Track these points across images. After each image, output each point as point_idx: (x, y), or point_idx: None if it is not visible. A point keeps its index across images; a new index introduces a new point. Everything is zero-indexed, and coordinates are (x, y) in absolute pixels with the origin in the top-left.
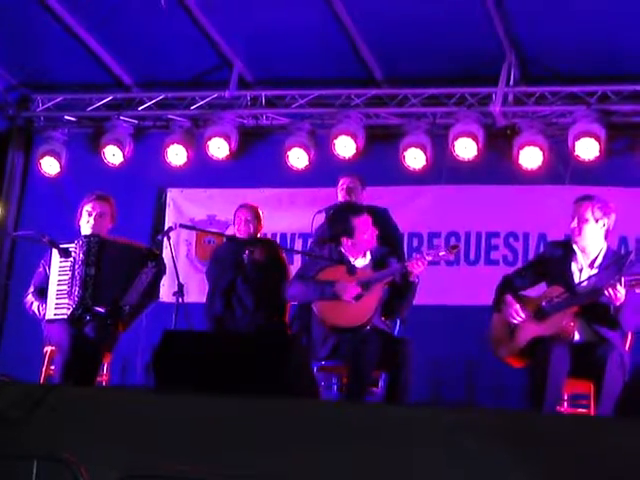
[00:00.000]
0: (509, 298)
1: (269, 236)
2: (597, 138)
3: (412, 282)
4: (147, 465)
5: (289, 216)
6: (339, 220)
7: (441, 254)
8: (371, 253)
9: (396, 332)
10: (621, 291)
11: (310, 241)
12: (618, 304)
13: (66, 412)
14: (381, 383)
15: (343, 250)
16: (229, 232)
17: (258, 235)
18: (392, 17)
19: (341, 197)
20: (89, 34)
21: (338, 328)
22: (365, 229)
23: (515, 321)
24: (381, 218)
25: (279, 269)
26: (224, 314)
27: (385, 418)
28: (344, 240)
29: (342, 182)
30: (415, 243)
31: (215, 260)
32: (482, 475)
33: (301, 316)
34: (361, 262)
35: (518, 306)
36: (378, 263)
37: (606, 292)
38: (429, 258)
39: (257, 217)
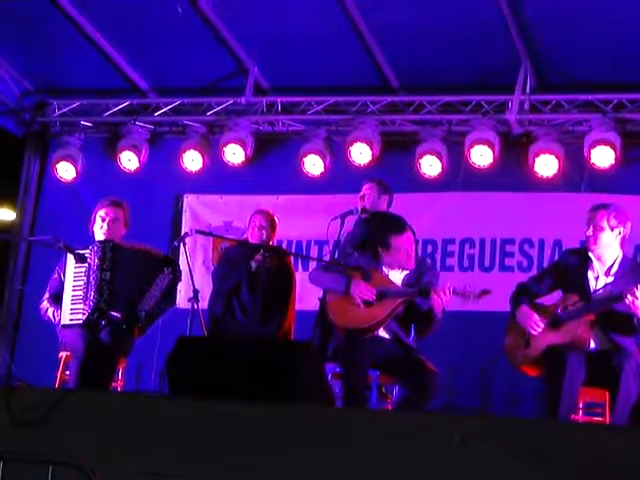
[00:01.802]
0: (526, 308)
1: (284, 243)
2: (612, 146)
3: (435, 316)
4: (162, 470)
5: (304, 223)
6: (375, 231)
7: (468, 289)
8: (407, 275)
9: (411, 339)
10: None
11: (327, 248)
12: None
13: (81, 417)
14: (395, 392)
15: (380, 260)
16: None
17: (270, 242)
18: (408, 24)
19: (358, 204)
20: (106, 40)
21: (341, 326)
22: (405, 246)
23: (534, 332)
24: (391, 225)
25: (286, 279)
26: (223, 316)
27: (398, 425)
28: (380, 250)
29: (363, 188)
30: (429, 250)
31: (223, 262)
32: None
33: (320, 321)
34: (396, 276)
35: (536, 316)
36: (410, 286)
37: (627, 300)
38: (452, 294)
39: (271, 224)
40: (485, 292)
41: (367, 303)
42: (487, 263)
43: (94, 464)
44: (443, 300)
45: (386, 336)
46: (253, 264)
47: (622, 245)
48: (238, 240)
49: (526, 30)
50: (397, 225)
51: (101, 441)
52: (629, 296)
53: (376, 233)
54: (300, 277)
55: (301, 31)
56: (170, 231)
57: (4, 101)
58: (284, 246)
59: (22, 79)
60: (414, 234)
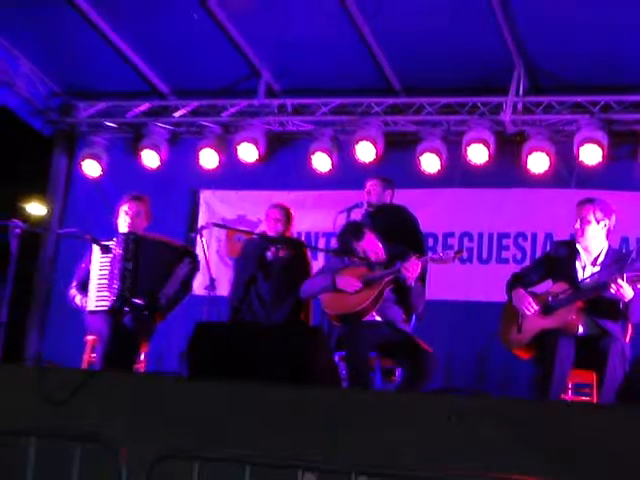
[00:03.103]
0: (521, 292)
1: (294, 235)
2: (600, 145)
3: (409, 287)
4: (180, 446)
5: (313, 216)
6: (343, 245)
7: (443, 256)
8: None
9: (412, 327)
10: (625, 287)
11: (333, 240)
12: (627, 300)
13: (106, 396)
14: (398, 373)
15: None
16: (259, 229)
17: (287, 234)
18: (409, 31)
19: (364, 198)
20: (128, 46)
21: (335, 316)
22: (369, 248)
23: (529, 312)
24: (395, 217)
25: (302, 268)
26: (242, 306)
27: (399, 404)
28: (354, 257)
29: (367, 184)
30: (431, 243)
31: (243, 254)
32: (491, 458)
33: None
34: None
35: (530, 299)
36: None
37: (612, 289)
38: (432, 263)
39: (287, 217)
40: (458, 252)
41: (356, 291)
42: (485, 256)
43: (119, 440)
44: (412, 270)
45: (380, 320)
46: (269, 255)
47: (608, 236)
48: (253, 232)
49: (519, 37)
50: (356, 231)
51: (125, 418)
52: (614, 285)
53: (342, 245)
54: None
55: (309, 38)
56: (187, 224)
57: (32, 102)
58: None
59: (49, 81)
60: (394, 220)
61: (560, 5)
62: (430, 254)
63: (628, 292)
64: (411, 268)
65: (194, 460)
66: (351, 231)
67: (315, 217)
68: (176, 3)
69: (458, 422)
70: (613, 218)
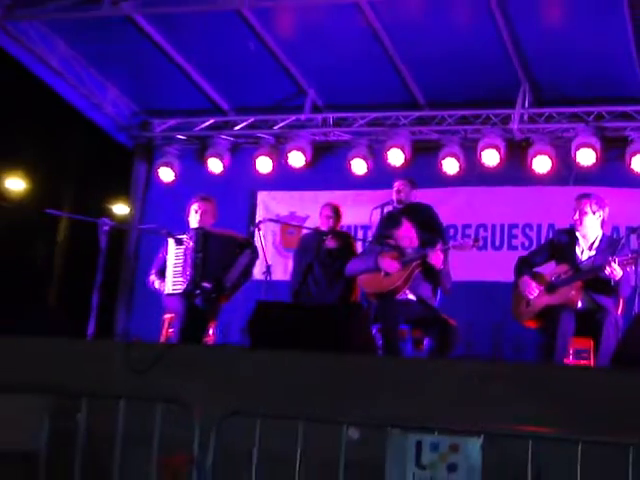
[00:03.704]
0: (526, 278)
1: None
2: (594, 148)
3: (438, 271)
4: (245, 405)
5: (352, 212)
6: (382, 233)
7: (463, 243)
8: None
9: (437, 302)
10: (617, 268)
11: (369, 232)
12: (617, 279)
13: (182, 364)
14: (426, 343)
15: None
16: (309, 224)
17: (337, 228)
18: (432, 55)
19: (394, 196)
20: (195, 72)
21: (372, 294)
22: (405, 235)
23: (532, 297)
24: (423, 212)
25: (350, 256)
26: (301, 289)
27: (429, 369)
28: (390, 242)
29: (395, 184)
30: (451, 233)
31: (300, 246)
32: (508, 413)
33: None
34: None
35: (534, 284)
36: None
37: (606, 270)
38: (453, 249)
39: (336, 213)
40: (476, 241)
41: (394, 272)
42: (497, 243)
43: (192, 401)
44: (436, 258)
45: (413, 298)
46: (322, 247)
47: (602, 226)
48: (302, 226)
49: (524, 58)
50: (394, 220)
51: (197, 383)
52: (608, 267)
53: (381, 231)
54: None
55: (347, 61)
56: (247, 220)
57: (118, 120)
58: None
59: (131, 103)
60: (422, 216)
61: (559, 32)
62: (451, 242)
63: (619, 272)
64: (435, 257)
65: (256, 417)
66: (390, 219)
67: (354, 213)
68: (235, 36)
69: (480, 383)
70: (606, 210)
